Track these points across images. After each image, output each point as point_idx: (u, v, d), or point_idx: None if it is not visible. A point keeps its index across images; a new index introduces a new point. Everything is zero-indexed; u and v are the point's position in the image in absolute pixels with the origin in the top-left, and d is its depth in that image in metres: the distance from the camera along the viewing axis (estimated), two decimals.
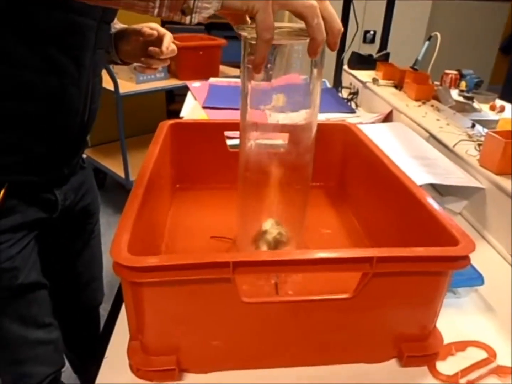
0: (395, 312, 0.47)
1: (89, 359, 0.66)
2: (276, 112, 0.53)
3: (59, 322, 0.88)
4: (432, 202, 0.52)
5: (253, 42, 0.43)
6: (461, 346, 0.54)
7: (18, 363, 0.84)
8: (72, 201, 0.84)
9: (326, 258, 0.41)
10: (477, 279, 0.61)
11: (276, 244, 0.58)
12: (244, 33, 0.50)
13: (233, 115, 1.25)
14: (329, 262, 0.42)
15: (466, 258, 0.43)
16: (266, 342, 0.48)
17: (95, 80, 0.74)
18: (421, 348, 0.49)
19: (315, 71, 0.52)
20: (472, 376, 0.50)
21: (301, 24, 0.44)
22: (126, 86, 2.06)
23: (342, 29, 0.44)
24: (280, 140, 0.56)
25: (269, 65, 0.49)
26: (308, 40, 0.43)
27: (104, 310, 1.11)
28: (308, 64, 0.51)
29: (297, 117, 0.54)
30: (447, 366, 0.51)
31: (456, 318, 0.59)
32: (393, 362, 0.51)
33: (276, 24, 0.42)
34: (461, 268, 0.43)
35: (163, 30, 0.83)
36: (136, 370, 0.47)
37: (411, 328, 0.49)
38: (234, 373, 0.49)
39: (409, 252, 0.42)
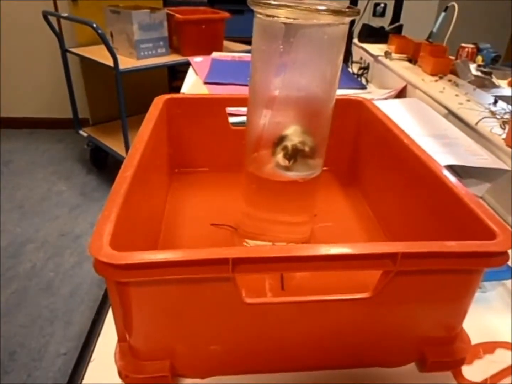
0: (419, 313, 0.41)
1: None
2: (291, 84, 0.46)
3: None
4: (462, 188, 0.45)
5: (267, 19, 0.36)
6: (489, 347, 0.48)
7: None
8: None
9: (343, 254, 0.35)
10: (505, 272, 0.55)
11: (295, 153, 0.49)
12: (257, 9, 0.43)
13: (236, 91, 1.18)
14: (346, 259, 0.36)
15: (504, 254, 0.37)
16: (271, 345, 0.42)
17: None
18: (447, 352, 0.44)
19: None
20: (504, 382, 0.44)
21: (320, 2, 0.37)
22: (126, 62, 1.99)
23: None
24: (294, 114, 0.49)
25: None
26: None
27: None
28: (331, 47, 0.45)
29: (314, 89, 0.47)
30: (474, 371, 0.46)
31: (482, 315, 0.53)
32: (411, 366, 0.46)
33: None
34: (498, 266, 0.37)
35: None
36: (124, 376, 0.41)
37: (436, 331, 0.43)
38: (236, 378, 0.44)
39: (439, 247, 0.36)
